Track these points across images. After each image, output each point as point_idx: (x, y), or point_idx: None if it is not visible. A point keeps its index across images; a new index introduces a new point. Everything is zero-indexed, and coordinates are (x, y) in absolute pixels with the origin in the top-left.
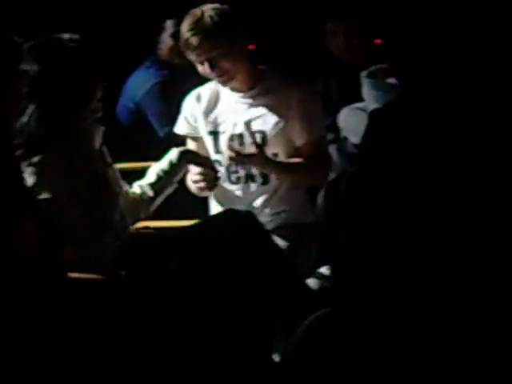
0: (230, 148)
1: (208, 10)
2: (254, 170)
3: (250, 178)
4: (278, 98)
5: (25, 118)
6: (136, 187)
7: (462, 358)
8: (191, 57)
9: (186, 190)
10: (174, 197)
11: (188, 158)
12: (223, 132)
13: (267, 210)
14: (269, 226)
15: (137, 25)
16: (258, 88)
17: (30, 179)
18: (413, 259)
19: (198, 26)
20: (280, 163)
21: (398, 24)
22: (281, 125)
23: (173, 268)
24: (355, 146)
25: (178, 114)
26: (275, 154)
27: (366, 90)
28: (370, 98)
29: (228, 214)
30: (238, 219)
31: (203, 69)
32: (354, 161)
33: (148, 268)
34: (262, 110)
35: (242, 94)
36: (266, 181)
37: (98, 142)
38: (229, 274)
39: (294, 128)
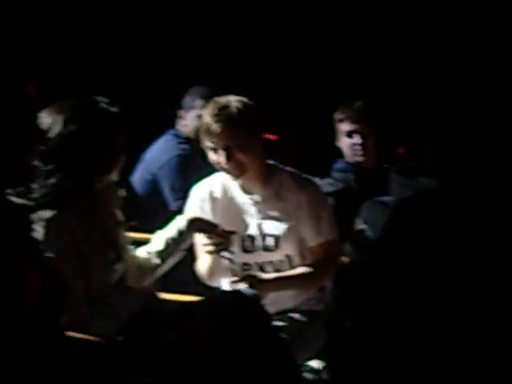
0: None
1: (233, 100)
2: (268, 267)
3: (261, 270)
4: (288, 200)
5: (52, 178)
6: (142, 252)
7: None
8: (209, 143)
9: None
10: (184, 271)
11: (197, 225)
12: (235, 232)
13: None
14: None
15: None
16: (269, 189)
17: (38, 234)
18: (419, 351)
19: (222, 114)
20: (282, 279)
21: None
22: (292, 228)
23: (170, 342)
24: (371, 239)
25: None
26: (288, 256)
27: (394, 187)
28: (398, 196)
29: (234, 295)
30: (244, 301)
31: (217, 158)
32: (367, 252)
33: (146, 338)
34: (273, 213)
35: (253, 196)
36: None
37: (115, 204)
38: (225, 355)
39: (304, 230)
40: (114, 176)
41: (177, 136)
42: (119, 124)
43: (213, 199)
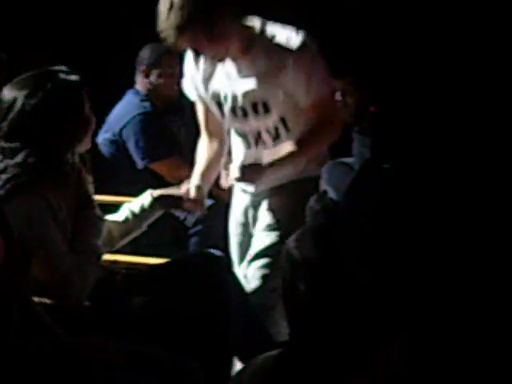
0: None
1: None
2: (265, 137)
3: (261, 142)
4: (274, 63)
5: (18, 157)
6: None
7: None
8: (177, 47)
9: (161, 229)
10: (149, 234)
11: (162, 204)
12: (225, 104)
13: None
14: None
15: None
16: (253, 53)
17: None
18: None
19: (168, 25)
20: (283, 157)
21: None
22: (281, 90)
23: (137, 305)
24: (332, 200)
25: (157, 147)
26: (282, 119)
27: (356, 147)
28: (359, 155)
29: (203, 258)
30: (212, 264)
31: (196, 54)
32: (329, 214)
33: (113, 302)
34: (259, 78)
35: (237, 63)
36: (276, 136)
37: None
38: (189, 316)
39: (293, 90)
40: (86, 144)
41: (138, 94)
42: (79, 93)
43: (198, 69)
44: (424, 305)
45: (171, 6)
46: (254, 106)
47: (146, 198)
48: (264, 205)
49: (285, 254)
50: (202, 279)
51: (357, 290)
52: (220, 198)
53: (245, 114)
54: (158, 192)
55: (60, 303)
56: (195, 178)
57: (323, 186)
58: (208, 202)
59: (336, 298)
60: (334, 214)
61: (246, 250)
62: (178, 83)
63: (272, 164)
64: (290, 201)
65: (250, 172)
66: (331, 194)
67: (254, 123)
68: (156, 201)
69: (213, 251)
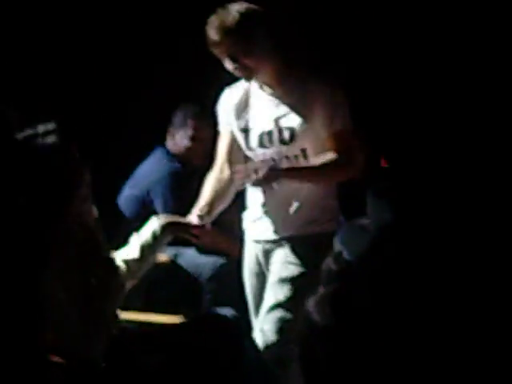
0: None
1: (233, 8)
2: (284, 163)
3: None
4: (304, 94)
5: None
6: (120, 262)
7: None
8: (215, 53)
9: (174, 285)
10: (163, 290)
11: (170, 230)
12: (253, 129)
13: (298, 218)
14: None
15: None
16: (286, 85)
17: None
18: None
19: (220, 24)
20: (300, 169)
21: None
22: (307, 120)
23: (152, 366)
24: (348, 262)
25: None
26: (303, 150)
27: (371, 208)
28: (375, 217)
29: (216, 318)
30: (226, 328)
31: (227, 65)
32: (345, 278)
33: (129, 362)
34: (289, 107)
35: (270, 92)
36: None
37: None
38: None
39: (318, 121)
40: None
41: (167, 153)
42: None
43: (233, 101)
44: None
45: (226, 14)
46: (280, 132)
47: (153, 225)
48: (278, 256)
49: (303, 319)
50: (216, 344)
51: (375, 355)
52: (231, 256)
53: (270, 140)
54: (164, 219)
55: (75, 363)
56: (202, 207)
57: (338, 246)
58: (220, 261)
59: (355, 363)
60: (350, 278)
61: (261, 301)
62: (206, 148)
63: (288, 171)
64: (305, 254)
65: (267, 170)
66: (346, 255)
67: (277, 149)
68: (165, 227)
69: (227, 312)
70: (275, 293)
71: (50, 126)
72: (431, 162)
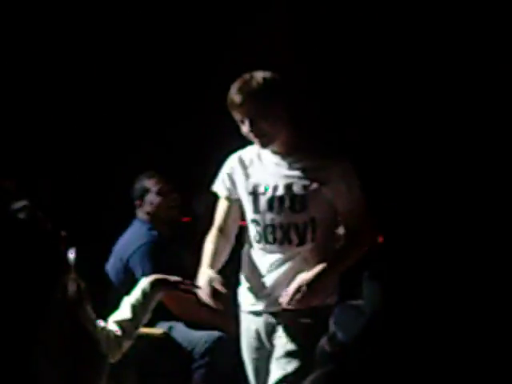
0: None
1: (257, 74)
2: (292, 234)
3: (286, 239)
4: (318, 164)
5: None
6: (112, 325)
7: None
8: (235, 114)
9: (167, 359)
10: (155, 363)
11: (160, 286)
12: (263, 193)
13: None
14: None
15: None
16: (299, 153)
17: None
18: None
19: (244, 87)
20: (327, 268)
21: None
22: (321, 191)
23: None
24: (341, 343)
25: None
26: (312, 219)
27: (366, 291)
28: (369, 300)
29: None
30: None
31: (244, 128)
32: (338, 360)
33: None
34: (302, 174)
35: (282, 156)
36: (302, 242)
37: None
38: None
39: (333, 194)
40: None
41: (144, 223)
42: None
43: (242, 165)
44: None
45: (250, 78)
46: (292, 199)
47: (142, 284)
48: (281, 330)
49: None
50: None
51: None
52: (227, 331)
53: (281, 206)
54: (153, 277)
55: None
56: (205, 270)
57: (332, 327)
58: (215, 334)
59: None
60: (344, 360)
61: (264, 376)
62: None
63: (321, 279)
64: (309, 327)
65: (304, 291)
66: (340, 336)
67: (286, 216)
68: (154, 284)
69: None
70: (282, 367)
71: (22, 202)
72: (426, 239)
